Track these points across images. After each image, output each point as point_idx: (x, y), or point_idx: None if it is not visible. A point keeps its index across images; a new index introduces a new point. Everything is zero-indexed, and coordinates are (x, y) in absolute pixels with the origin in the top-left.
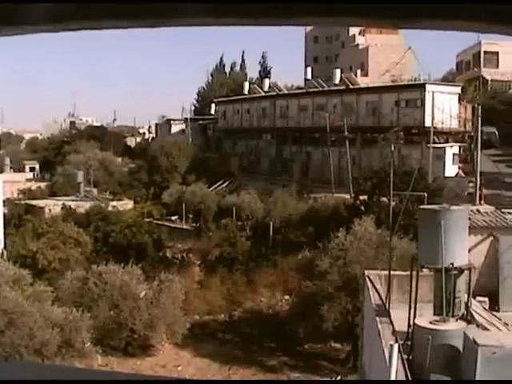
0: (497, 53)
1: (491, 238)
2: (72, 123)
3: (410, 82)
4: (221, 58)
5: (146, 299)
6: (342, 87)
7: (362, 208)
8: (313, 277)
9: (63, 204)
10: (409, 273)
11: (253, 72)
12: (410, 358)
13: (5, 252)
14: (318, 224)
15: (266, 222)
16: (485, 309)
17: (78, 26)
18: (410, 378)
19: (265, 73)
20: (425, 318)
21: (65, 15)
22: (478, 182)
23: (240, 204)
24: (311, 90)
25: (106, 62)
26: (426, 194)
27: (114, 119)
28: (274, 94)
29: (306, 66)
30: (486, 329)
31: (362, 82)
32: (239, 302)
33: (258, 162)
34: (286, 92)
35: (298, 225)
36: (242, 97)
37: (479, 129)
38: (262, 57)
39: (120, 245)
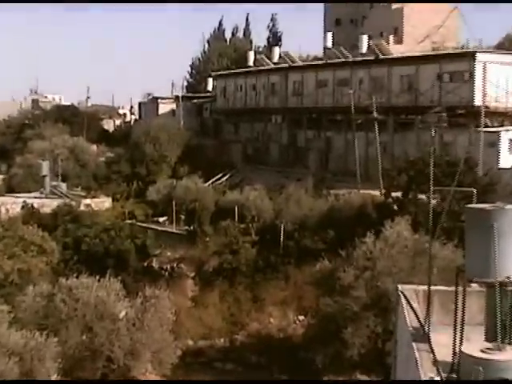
0: None
1: None
2: (34, 102)
3: (456, 51)
4: (220, 22)
5: (126, 320)
6: (371, 57)
7: (395, 207)
8: (334, 292)
9: (24, 202)
10: (453, 288)
11: (259, 39)
12: None
13: None
14: (340, 227)
15: (276, 225)
16: None
17: None
18: None
19: (274, 39)
20: (474, 344)
21: None
22: None
23: (244, 202)
24: (332, 60)
25: (77, 27)
26: (474, 190)
27: (88, 97)
28: (285, 65)
29: (326, 31)
30: None
31: (396, 50)
32: (242, 324)
33: (265, 150)
34: (301, 63)
35: (316, 228)
36: (246, 69)
37: None
38: (271, 19)
39: (95, 253)
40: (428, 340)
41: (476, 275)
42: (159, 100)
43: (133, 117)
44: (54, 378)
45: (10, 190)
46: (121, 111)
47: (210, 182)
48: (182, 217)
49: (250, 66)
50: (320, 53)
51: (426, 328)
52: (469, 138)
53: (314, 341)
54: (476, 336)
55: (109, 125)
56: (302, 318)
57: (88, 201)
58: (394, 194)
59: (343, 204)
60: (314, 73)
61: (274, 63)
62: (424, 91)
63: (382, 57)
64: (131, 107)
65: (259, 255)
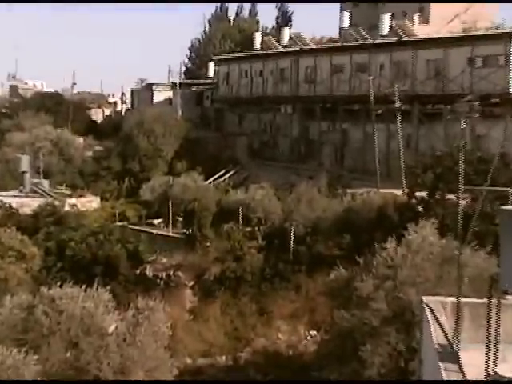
0: None
1: None
2: (13, 88)
3: (490, 32)
4: None
5: (116, 335)
6: (393, 39)
7: (420, 209)
8: (350, 305)
9: (0, 202)
10: (486, 300)
11: (267, 18)
12: None
13: None
14: (357, 231)
15: (285, 228)
16: None
17: None
18: None
19: (284, 20)
20: (510, 364)
21: None
22: None
23: (249, 203)
24: (349, 43)
25: (62, 5)
26: (510, 190)
27: (73, 83)
28: (296, 49)
29: (342, 10)
30: None
31: (421, 31)
32: (247, 340)
33: (273, 143)
34: (314, 46)
35: (330, 232)
36: (252, 53)
37: None
38: None
39: (81, 259)
40: (457, 359)
41: None
42: (154, 87)
43: (124, 106)
44: None
45: None
46: (111, 99)
47: (212, 179)
48: (180, 219)
49: (257, 50)
50: (335, 34)
51: (455, 345)
52: (504, 131)
53: (327, 359)
54: None
55: (97, 115)
56: (314, 333)
57: (73, 200)
58: (418, 194)
59: (361, 205)
60: (329, 57)
61: (284, 46)
62: (453, 77)
63: (405, 39)
64: (122, 95)
65: (266, 262)
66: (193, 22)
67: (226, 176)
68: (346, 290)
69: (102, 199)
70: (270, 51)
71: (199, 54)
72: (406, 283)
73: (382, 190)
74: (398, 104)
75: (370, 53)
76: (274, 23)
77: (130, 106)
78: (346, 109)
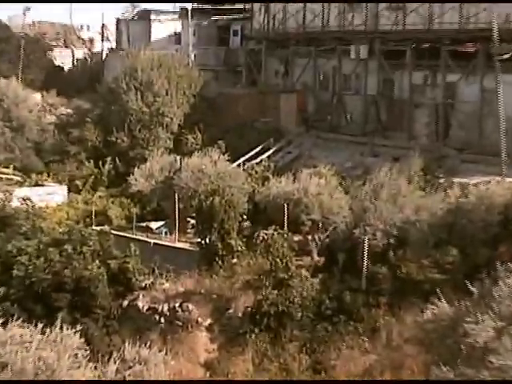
0: None
1: None
2: None
3: None
4: None
5: None
6: None
7: None
8: (457, 358)
9: None
10: None
11: None
12: None
13: None
14: (468, 243)
15: (356, 237)
16: None
17: None
18: None
19: None
20: None
21: None
22: None
23: (299, 197)
24: None
25: None
26: None
27: (27, 8)
28: None
29: None
30: None
31: None
32: None
33: (338, 105)
34: None
35: (426, 244)
36: None
37: None
38: None
39: (37, 282)
40: None
41: None
42: (153, 16)
43: (106, 45)
44: None
45: None
46: (84, 35)
47: (242, 160)
48: (192, 221)
49: None
50: None
51: None
52: None
53: None
54: None
55: (64, 58)
56: None
57: (26, 191)
58: None
59: (475, 202)
60: None
61: None
62: None
63: None
64: (103, 27)
65: (325, 290)
66: None
67: (265, 156)
68: (449, 336)
69: (70, 190)
70: None
71: None
72: None
73: (508, 180)
74: None
75: None
76: None
77: (114, 46)
78: (454, 51)
